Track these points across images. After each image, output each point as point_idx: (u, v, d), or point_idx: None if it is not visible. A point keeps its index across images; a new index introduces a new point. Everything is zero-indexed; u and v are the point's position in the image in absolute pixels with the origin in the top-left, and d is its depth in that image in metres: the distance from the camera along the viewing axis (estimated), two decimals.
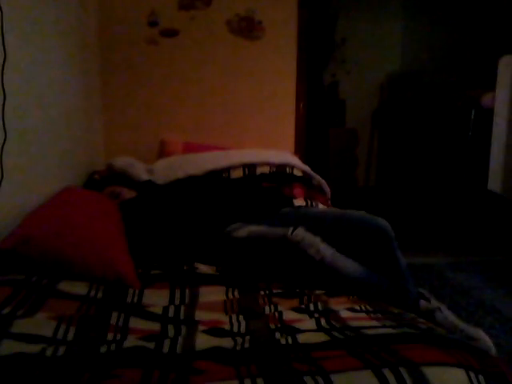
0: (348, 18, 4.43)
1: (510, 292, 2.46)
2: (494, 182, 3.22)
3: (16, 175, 1.54)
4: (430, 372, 0.87)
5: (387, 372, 0.87)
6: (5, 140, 1.42)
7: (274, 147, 2.80)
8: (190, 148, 2.74)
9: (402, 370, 0.87)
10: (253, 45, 2.81)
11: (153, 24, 2.76)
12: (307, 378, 0.86)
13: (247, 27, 2.77)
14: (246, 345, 1.01)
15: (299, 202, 2.23)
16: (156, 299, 1.25)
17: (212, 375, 0.88)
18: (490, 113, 3.25)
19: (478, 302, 2.34)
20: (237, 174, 2.42)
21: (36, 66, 1.76)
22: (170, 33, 2.78)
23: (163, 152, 2.77)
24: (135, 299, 1.25)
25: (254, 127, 2.91)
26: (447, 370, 0.89)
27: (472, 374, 0.89)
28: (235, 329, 1.10)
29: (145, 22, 2.76)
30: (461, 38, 4.00)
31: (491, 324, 2.11)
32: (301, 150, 3.00)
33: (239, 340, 1.03)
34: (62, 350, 0.95)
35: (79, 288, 1.25)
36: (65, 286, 1.24)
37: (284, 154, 2.64)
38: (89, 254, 1.32)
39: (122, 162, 2.39)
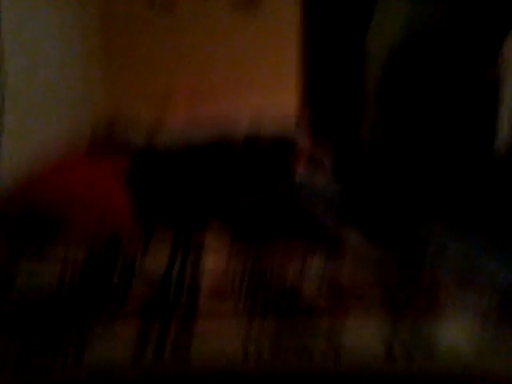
0: None
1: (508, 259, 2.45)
2: (503, 144, 3.18)
3: (15, 130, 1.54)
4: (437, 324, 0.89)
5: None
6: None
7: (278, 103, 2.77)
8: (197, 97, 2.71)
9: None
10: (252, 19, 2.78)
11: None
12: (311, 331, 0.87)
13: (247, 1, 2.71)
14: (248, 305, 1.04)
15: (302, 172, 2.23)
16: (159, 256, 1.27)
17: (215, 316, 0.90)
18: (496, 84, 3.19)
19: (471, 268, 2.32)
20: (238, 141, 2.42)
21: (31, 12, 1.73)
22: (168, 7, 2.71)
23: (171, 100, 2.74)
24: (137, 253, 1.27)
25: (256, 79, 2.88)
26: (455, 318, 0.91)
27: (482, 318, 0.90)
28: (237, 290, 1.12)
29: None
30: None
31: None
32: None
33: (241, 302, 1.05)
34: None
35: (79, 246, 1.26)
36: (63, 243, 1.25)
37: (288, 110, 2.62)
38: (86, 210, 1.33)
39: (122, 124, 2.37)
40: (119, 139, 2.27)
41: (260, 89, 2.86)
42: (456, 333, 0.89)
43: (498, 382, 0.85)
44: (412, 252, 1.51)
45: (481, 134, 3.43)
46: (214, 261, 1.30)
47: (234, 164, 2.07)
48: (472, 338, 0.88)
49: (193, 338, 0.88)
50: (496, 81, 3.24)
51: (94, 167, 1.76)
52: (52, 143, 1.92)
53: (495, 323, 0.91)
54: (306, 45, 2.91)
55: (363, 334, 0.89)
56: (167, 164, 2.03)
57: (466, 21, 2.24)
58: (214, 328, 0.92)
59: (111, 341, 0.84)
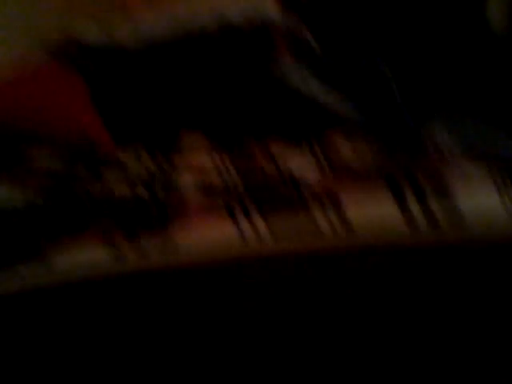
0: None
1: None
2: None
3: None
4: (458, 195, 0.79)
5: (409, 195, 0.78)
6: None
7: None
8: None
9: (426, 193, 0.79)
10: None
11: None
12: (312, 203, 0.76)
13: None
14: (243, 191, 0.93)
15: (285, 54, 2.06)
16: (132, 153, 1.13)
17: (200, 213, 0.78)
18: None
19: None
20: (212, 31, 2.21)
21: None
22: None
23: (121, 8, 2.50)
24: (109, 154, 1.13)
25: None
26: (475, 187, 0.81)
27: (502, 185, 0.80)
28: (227, 176, 1.01)
29: None
30: None
31: None
32: None
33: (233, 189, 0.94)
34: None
35: (47, 152, 1.13)
36: (32, 152, 1.13)
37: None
38: (53, 118, 1.19)
39: (79, 27, 2.15)
40: (76, 42, 2.07)
41: None
42: (483, 198, 0.79)
43: None
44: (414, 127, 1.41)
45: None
46: (196, 158, 1.16)
47: (210, 58, 1.90)
48: (503, 201, 0.77)
49: (182, 232, 0.76)
50: None
51: (54, 76, 1.58)
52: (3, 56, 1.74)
53: None
54: None
55: (377, 205, 0.77)
56: (133, 64, 1.85)
57: None
58: (205, 222, 0.80)
59: (87, 244, 0.73)
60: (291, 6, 2.15)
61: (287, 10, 2.21)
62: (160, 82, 1.70)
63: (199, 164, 1.10)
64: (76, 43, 2.14)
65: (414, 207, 0.77)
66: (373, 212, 0.77)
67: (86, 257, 0.71)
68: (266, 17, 2.22)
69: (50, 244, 0.72)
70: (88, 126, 1.24)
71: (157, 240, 0.78)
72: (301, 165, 1.04)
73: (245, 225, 0.78)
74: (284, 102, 1.38)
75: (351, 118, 1.39)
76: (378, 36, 2.44)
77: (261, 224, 0.78)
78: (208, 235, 0.77)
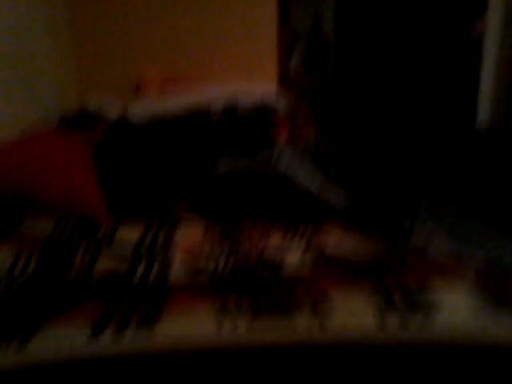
0: None
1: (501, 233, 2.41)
2: (484, 114, 3.14)
3: None
4: (434, 291, 0.82)
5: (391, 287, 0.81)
6: None
7: (256, 79, 2.67)
8: (168, 83, 2.60)
9: (406, 288, 0.81)
10: None
11: None
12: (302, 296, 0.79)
13: None
14: (226, 274, 0.95)
15: (283, 141, 2.15)
16: (130, 232, 1.17)
17: (188, 301, 0.81)
18: (479, 43, 3.12)
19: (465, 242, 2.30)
20: (217, 112, 2.31)
21: None
22: None
23: (141, 88, 2.63)
24: (107, 232, 1.16)
25: (235, 59, 2.76)
26: (450, 286, 0.83)
27: (475, 288, 0.83)
28: (214, 259, 1.03)
29: None
30: None
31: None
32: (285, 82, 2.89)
33: (218, 272, 0.96)
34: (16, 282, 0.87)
35: (46, 222, 1.16)
36: (31, 221, 1.16)
37: (267, 87, 2.51)
38: (55, 187, 1.23)
39: (95, 101, 2.26)
40: (90, 115, 2.16)
41: (238, 65, 2.75)
42: (453, 301, 0.81)
43: (497, 349, 0.77)
44: (398, 224, 1.45)
45: (463, 97, 3.37)
46: (188, 234, 1.20)
47: (211, 134, 1.98)
48: (471, 307, 0.80)
49: (161, 315, 0.78)
50: (480, 39, 3.18)
51: (61, 142, 1.64)
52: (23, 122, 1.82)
53: (490, 293, 0.83)
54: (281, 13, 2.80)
55: (352, 304, 0.80)
56: (140, 135, 1.93)
57: None
58: (185, 304, 0.82)
59: (65, 324, 0.74)
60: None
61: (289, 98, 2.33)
62: (162, 156, 1.76)
63: (191, 245, 1.13)
64: (88, 114, 2.25)
65: (386, 306, 0.79)
66: (352, 319, 0.78)
67: (63, 340, 0.71)
68: (269, 103, 2.35)
69: (30, 326, 0.73)
70: (89, 197, 1.27)
71: (141, 328, 0.78)
72: (289, 252, 1.07)
73: (226, 320, 0.79)
74: (279, 189, 1.44)
75: (342, 208, 1.44)
76: (370, 135, 2.52)
77: (241, 320, 0.78)
78: (189, 325, 0.77)
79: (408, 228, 1.45)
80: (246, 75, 2.70)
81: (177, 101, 2.34)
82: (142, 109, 2.31)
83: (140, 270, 0.95)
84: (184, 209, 1.42)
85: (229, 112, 2.29)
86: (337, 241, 1.16)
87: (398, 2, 2.65)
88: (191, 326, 0.77)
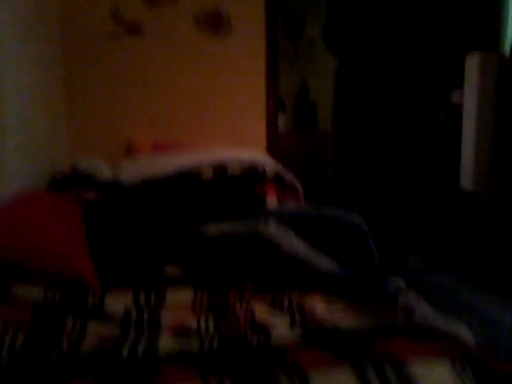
0: (316, 19, 4.42)
1: (485, 289, 2.45)
2: (466, 180, 3.23)
3: None
4: (415, 367, 0.81)
5: (369, 369, 0.81)
6: None
7: (245, 145, 2.73)
8: (158, 148, 2.65)
9: (385, 366, 0.81)
10: (220, 41, 2.74)
11: (117, 20, 2.67)
12: (282, 378, 0.79)
13: (215, 23, 2.71)
14: (215, 345, 0.95)
15: (272, 201, 2.17)
16: (118, 302, 1.16)
17: (176, 380, 0.80)
18: (459, 109, 3.26)
19: (453, 299, 2.32)
20: (207, 173, 2.35)
21: None
22: (135, 29, 2.69)
23: (131, 151, 2.68)
24: (95, 302, 1.16)
25: (224, 125, 2.83)
26: (432, 362, 0.84)
27: (458, 365, 0.83)
28: (203, 329, 1.03)
29: (109, 18, 2.67)
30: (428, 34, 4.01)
31: (468, 322, 2.08)
32: (273, 148, 2.95)
33: (207, 341, 0.96)
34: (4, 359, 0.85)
35: (34, 292, 1.15)
36: (19, 289, 1.15)
37: (256, 153, 2.58)
38: (45, 254, 1.23)
39: (86, 163, 2.30)
40: (82, 176, 2.19)
41: (228, 131, 2.84)
42: (438, 374, 0.82)
43: None
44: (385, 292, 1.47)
45: (446, 163, 3.48)
46: (175, 305, 1.21)
47: (202, 193, 2.00)
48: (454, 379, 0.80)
49: None
50: (461, 106, 3.32)
51: (51, 205, 1.65)
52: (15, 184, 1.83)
53: (473, 370, 0.84)
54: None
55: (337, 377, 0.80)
56: (130, 196, 1.95)
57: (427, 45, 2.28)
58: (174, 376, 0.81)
59: None
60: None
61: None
62: (152, 217, 1.77)
63: (179, 317, 1.13)
64: (80, 175, 2.27)
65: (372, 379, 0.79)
66: None
67: None
68: (258, 165, 2.39)
69: None
70: (79, 264, 1.27)
71: None
72: (274, 321, 1.07)
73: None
74: (267, 253, 1.46)
75: (329, 275, 1.46)
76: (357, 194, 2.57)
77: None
78: None
79: (393, 295, 1.47)
80: (235, 140, 2.78)
81: (168, 162, 2.39)
82: (133, 169, 2.35)
83: (127, 345, 0.94)
84: (172, 275, 1.43)
85: (219, 172, 2.34)
86: (324, 309, 1.17)
87: (382, 74, 2.79)
88: None
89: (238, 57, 2.77)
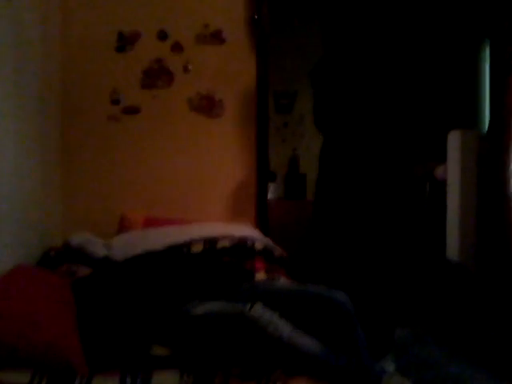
0: (305, 95, 4.65)
1: (474, 363, 2.44)
2: (452, 252, 3.29)
3: None
4: None
5: None
6: None
7: (234, 220, 2.80)
8: (150, 222, 2.71)
9: None
10: (213, 122, 2.89)
11: (115, 102, 2.82)
12: None
13: (208, 105, 2.87)
14: None
15: (260, 276, 2.21)
16: None
17: None
18: (444, 184, 3.37)
19: (443, 375, 2.31)
20: (197, 248, 2.39)
21: None
22: (132, 110, 2.84)
23: (124, 227, 2.74)
24: None
25: (214, 201, 2.92)
26: None
27: None
28: None
29: (107, 99, 2.82)
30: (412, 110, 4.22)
31: None
32: (262, 215, 3.02)
33: None
34: None
35: (21, 377, 1.17)
36: (5, 376, 1.16)
37: (245, 228, 2.64)
38: (33, 339, 1.25)
39: (78, 238, 2.34)
40: (73, 251, 2.23)
41: (219, 205, 2.93)
42: None
43: None
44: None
45: (433, 236, 3.55)
46: None
47: (191, 266, 2.04)
48: None
49: None
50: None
51: (42, 282, 1.68)
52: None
53: None
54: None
55: None
56: (120, 272, 1.98)
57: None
58: None
59: None
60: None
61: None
62: (140, 293, 1.80)
63: None
64: (71, 250, 2.30)
65: None
66: None
67: None
68: (247, 239, 2.45)
69: None
70: (67, 349, 1.29)
71: None
72: None
73: None
74: (252, 334, 1.48)
75: (313, 358, 1.48)
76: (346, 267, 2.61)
77: None
78: None
79: (377, 378, 1.49)
80: (226, 212, 2.86)
81: (159, 236, 2.45)
82: (124, 244, 2.39)
83: None
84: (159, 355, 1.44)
85: (209, 246, 2.39)
86: None
87: (366, 151, 2.91)
88: None
89: (230, 135, 2.91)
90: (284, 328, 1.42)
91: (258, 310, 1.44)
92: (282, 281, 2.20)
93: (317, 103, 2.95)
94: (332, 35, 2.87)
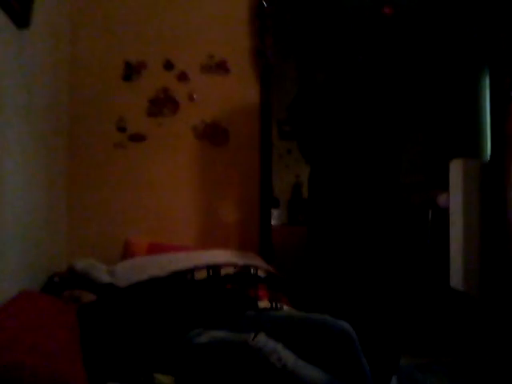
0: None
1: None
2: (456, 280, 3.28)
3: None
4: None
5: None
6: None
7: (238, 247, 2.82)
8: (154, 249, 2.73)
9: None
10: (218, 149, 2.94)
11: (121, 129, 2.88)
12: None
13: (212, 133, 2.92)
14: None
15: (264, 303, 2.21)
16: None
17: None
18: (446, 211, 3.39)
19: None
20: (201, 275, 2.40)
21: None
22: (138, 138, 2.89)
23: (128, 252, 2.75)
24: None
25: (218, 227, 2.94)
26: None
27: None
28: None
29: (114, 126, 2.87)
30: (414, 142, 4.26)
31: None
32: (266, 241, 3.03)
33: None
34: None
35: None
36: None
37: (248, 255, 2.65)
38: (39, 368, 1.26)
39: (83, 263, 2.36)
40: (78, 276, 2.24)
41: (222, 232, 2.95)
42: None
43: None
44: None
45: (436, 265, 3.55)
46: None
47: (195, 293, 2.05)
48: None
49: None
50: (447, 208, 3.45)
51: (46, 317, 1.69)
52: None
53: None
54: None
55: None
56: (124, 298, 1.99)
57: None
58: None
59: None
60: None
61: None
62: (143, 320, 1.81)
63: None
64: (76, 275, 2.32)
65: None
66: None
67: None
68: (250, 266, 2.45)
69: None
70: (73, 376, 1.30)
71: None
72: None
73: None
74: (255, 364, 1.48)
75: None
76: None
77: None
78: None
79: None
80: (229, 241, 2.87)
81: (162, 263, 2.46)
82: (128, 270, 2.40)
83: None
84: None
85: (212, 272, 2.40)
86: None
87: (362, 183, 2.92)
88: None
89: (234, 162, 2.96)
90: (287, 358, 1.42)
91: (262, 340, 1.45)
92: (285, 309, 2.20)
93: (298, 136, 3.00)
94: (309, 69, 2.92)
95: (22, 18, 1.92)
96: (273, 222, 3.34)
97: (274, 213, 4.28)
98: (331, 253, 2.37)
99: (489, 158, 3.53)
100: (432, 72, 4.19)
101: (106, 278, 2.27)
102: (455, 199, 3.31)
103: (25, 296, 1.79)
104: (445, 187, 3.42)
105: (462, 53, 4.12)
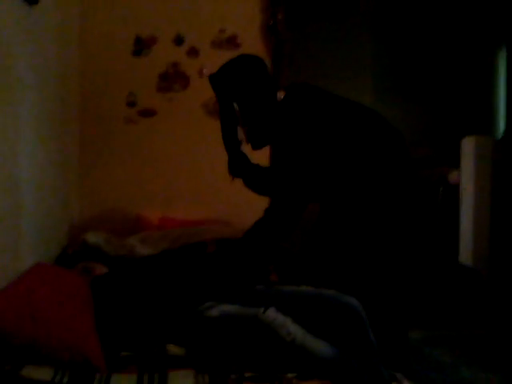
0: None
1: (485, 367, 2.44)
2: (465, 256, 3.29)
3: None
4: None
5: None
6: None
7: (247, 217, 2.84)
8: (165, 223, 2.76)
9: None
10: None
11: (131, 104, 2.88)
12: None
13: None
14: None
15: (273, 278, 2.24)
16: None
17: None
18: (457, 188, 3.37)
19: (454, 378, 2.32)
20: (212, 248, 2.44)
21: (7, 134, 1.75)
22: (148, 113, 2.89)
23: (139, 226, 2.79)
24: None
25: (228, 201, 2.95)
26: None
27: None
28: None
29: (124, 101, 2.87)
30: (426, 117, 4.21)
31: None
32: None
33: None
34: None
35: (43, 373, 1.22)
36: (28, 372, 1.21)
37: None
38: (55, 338, 1.30)
39: (95, 237, 2.40)
40: (90, 249, 2.28)
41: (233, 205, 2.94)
42: None
43: None
44: None
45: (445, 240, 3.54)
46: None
47: (206, 266, 2.07)
48: None
49: None
50: (458, 185, 3.44)
51: (61, 288, 1.72)
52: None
53: None
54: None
55: None
56: (137, 269, 2.02)
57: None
58: None
59: None
60: None
61: None
62: (156, 292, 1.84)
63: None
64: (88, 248, 2.36)
65: None
66: None
67: None
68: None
69: None
70: (87, 347, 1.34)
71: None
72: None
73: None
74: (265, 337, 1.51)
75: (325, 361, 1.51)
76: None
77: None
78: None
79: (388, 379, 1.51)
80: (240, 215, 2.88)
81: (174, 235, 2.49)
82: (139, 242, 2.44)
83: None
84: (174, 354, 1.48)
85: (223, 246, 2.43)
86: None
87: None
88: None
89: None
90: (297, 332, 1.45)
91: (272, 314, 1.47)
92: (295, 284, 2.23)
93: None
94: None
95: None
96: None
97: None
98: (342, 228, 2.37)
99: (501, 135, 3.50)
100: (449, 47, 4.11)
101: (118, 250, 2.31)
102: (466, 176, 3.29)
103: (40, 268, 1.83)
104: (455, 164, 3.39)
105: (479, 29, 4.03)
